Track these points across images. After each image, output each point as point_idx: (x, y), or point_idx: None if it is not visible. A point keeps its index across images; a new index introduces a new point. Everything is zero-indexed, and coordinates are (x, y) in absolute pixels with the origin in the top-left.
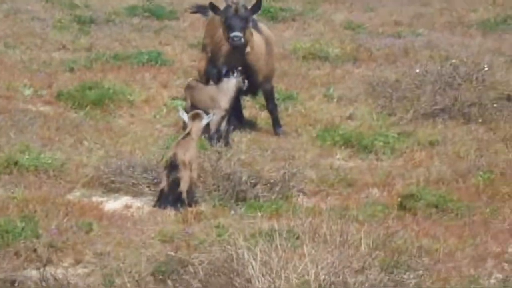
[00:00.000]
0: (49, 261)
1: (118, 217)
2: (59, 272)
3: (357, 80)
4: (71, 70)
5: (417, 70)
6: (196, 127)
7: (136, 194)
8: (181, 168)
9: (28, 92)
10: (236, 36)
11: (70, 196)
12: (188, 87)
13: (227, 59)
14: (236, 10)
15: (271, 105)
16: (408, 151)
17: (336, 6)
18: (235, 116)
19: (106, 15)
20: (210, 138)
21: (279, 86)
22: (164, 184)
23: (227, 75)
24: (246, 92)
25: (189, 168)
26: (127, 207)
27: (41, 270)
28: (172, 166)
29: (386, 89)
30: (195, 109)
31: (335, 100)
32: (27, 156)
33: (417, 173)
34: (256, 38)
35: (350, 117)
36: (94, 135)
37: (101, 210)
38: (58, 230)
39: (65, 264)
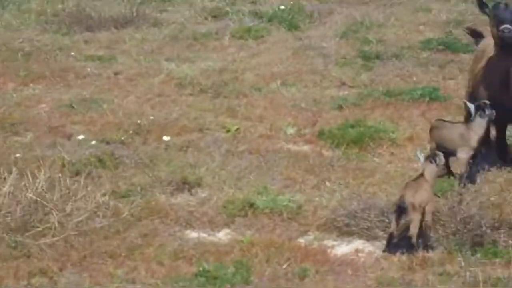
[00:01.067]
0: None
1: (341, 263)
2: None
3: None
4: (340, 107)
5: None
6: (429, 169)
7: (370, 238)
8: (410, 211)
9: (291, 131)
10: (506, 28)
11: (302, 240)
12: (433, 128)
13: (489, 72)
14: (506, 5)
15: None
16: None
17: None
18: (499, 154)
19: (397, 50)
20: (459, 179)
21: None
22: (393, 228)
23: (478, 109)
24: (506, 121)
25: (419, 211)
26: (358, 251)
27: None
28: (401, 209)
29: None
30: (441, 150)
31: None
32: (264, 198)
33: None
34: None
35: None
36: (341, 175)
37: (327, 255)
38: (271, 276)
39: None
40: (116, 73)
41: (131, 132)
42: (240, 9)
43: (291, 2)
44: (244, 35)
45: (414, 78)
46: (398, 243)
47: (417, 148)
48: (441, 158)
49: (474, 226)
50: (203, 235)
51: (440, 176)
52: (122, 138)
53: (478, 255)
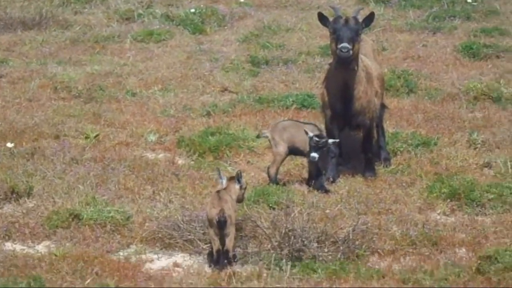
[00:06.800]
0: None
1: (150, 278)
2: None
3: (510, 123)
4: (208, 114)
5: None
6: (234, 189)
7: (192, 252)
8: (229, 224)
9: (152, 138)
10: (344, 47)
11: (121, 253)
12: (284, 129)
13: (330, 80)
14: (346, 21)
15: (365, 144)
16: None
17: None
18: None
19: (294, 55)
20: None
21: (420, 131)
22: (218, 244)
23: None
24: (343, 125)
25: (234, 223)
26: (176, 265)
27: None
28: (221, 223)
29: None
30: (295, 151)
31: (478, 146)
32: (91, 209)
33: None
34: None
35: (487, 165)
36: (182, 185)
37: (138, 269)
38: None
39: None
40: (0, 76)
41: None
42: (153, 12)
43: (201, 5)
44: (146, 38)
45: (297, 85)
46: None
47: (218, 167)
48: (244, 181)
49: (295, 240)
50: (21, 247)
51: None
52: None
53: (295, 270)
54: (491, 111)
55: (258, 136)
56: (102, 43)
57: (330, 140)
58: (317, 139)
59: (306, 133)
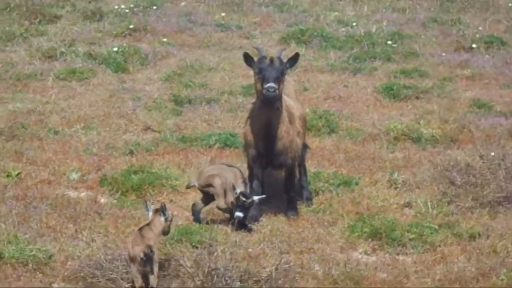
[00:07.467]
0: None
1: None
2: None
3: (429, 164)
4: (131, 153)
5: (493, 154)
6: (158, 221)
7: None
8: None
9: (74, 176)
10: (271, 87)
11: None
12: (208, 172)
13: (254, 120)
14: (272, 61)
15: (287, 184)
16: (442, 245)
17: (473, 82)
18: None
19: (216, 94)
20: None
21: (341, 171)
22: (140, 283)
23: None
24: (266, 164)
25: (138, 262)
26: None
27: None
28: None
29: (452, 174)
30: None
31: (398, 186)
32: (13, 247)
33: (436, 271)
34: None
35: (407, 205)
36: (105, 224)
37: None
38: None
39: None
40: None
41: None
42: (75, 50)
43: (124, 44)
44: (68, 76)
45: (220, 124)
46: None
47: (147, 199)
48: (169, 213)
49: (218, 279)
50: None
51: None
52: None
53: None
54: (411, 152)
55: (187, 187)
56: (24, 81)
57: (256, 198)
58: (244, 199)
59: (234, 188)
